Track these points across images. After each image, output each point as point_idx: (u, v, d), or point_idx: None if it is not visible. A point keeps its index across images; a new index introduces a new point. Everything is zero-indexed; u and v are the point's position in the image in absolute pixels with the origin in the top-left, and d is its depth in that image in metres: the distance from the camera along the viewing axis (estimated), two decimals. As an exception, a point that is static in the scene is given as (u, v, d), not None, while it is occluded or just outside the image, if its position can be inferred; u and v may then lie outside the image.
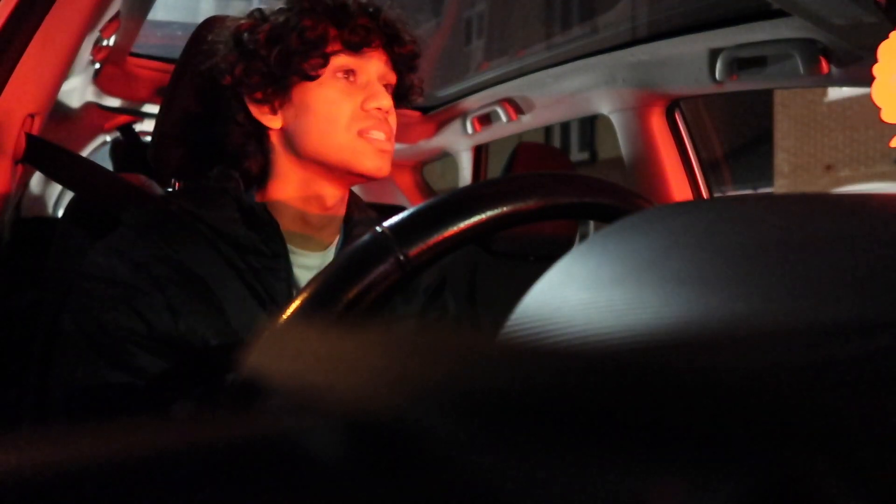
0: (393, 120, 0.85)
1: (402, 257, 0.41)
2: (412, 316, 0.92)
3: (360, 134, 0.81)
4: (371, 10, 0.83)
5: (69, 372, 0.74)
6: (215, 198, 0.82)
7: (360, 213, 0.93)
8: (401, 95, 0.89)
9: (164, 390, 0.73)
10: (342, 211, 0.89)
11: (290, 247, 0.83)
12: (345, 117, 0.81)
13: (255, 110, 0.83)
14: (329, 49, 0.80)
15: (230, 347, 0.74)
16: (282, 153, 0.84)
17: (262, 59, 0.80)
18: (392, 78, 0.86)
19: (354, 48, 0.81)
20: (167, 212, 0.81)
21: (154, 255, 0.75)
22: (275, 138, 0.84)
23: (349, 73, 0.82)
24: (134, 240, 0.77)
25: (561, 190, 0.47)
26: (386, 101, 0.82)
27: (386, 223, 0.42)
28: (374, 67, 0.84)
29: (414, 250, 0.41)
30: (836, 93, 9.72)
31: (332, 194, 0.85)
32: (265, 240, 0.80)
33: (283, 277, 0.80)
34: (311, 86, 0.81)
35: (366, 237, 0.42)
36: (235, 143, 0.85)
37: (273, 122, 0.83)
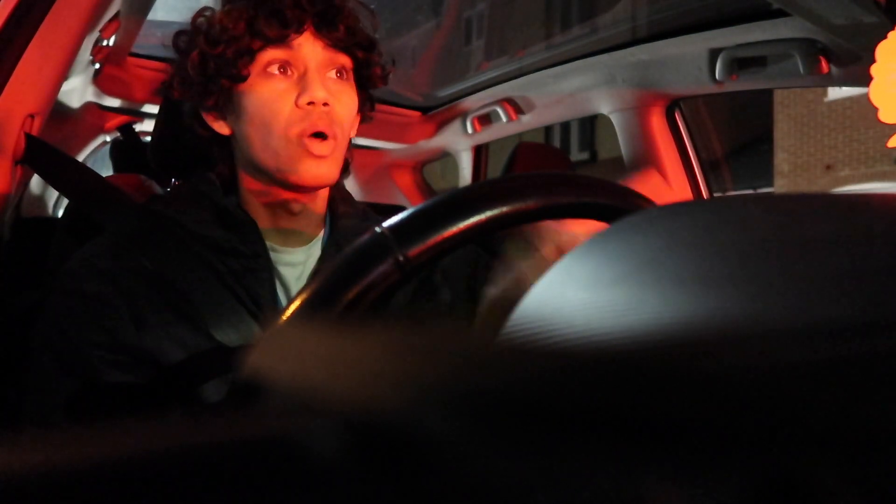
0: (341, 109, 0.77)
1: (401, 258, 0.41)
2: (403, 304, 0.91)
3: (299, 137, 0.75)
4: None
5: (38, 388, 0.73)
6: (192, 201, 0.80)
7: (344, 206, 0.90)
8: (361, 78, 0.82)
9: (131, 404, 0.71)
10: (320, 208, 0.85)
11: (270, 245, 0.81)
12: (280, 119, 0.75)
13: (207, 118, 0.80)
14: (253, 45, 0.74)
15: (204, 357, 0.73)
16: (239, 160, 0.81)
17: (193, 65, 0.76)
18: (342, 60, 0.78)
19: (278, 40, 0.74)
20: (146, 220, 0.80)
21: (126, 266, 0.74)
22: (233, 144, 0.81)
23: (282, 67, 0.76)
24: (106, 251, 0.76)
25: (561, 190, 0.47)
26: (320, 93, 0.74)
27: (385, 223, 0.42)
28: (310, 55, 0.76)
29: (413, 250, 0.41)
30: (835, 93, 9.69)
31: (295, 201, 0.81)
32: (243, 240, 0.78)
33: (265, 277, 0.78)
34: (244, 88, 0.76)
35: (365, 237, 0.42)
36: (202, 149, 0.83)
37: (222, 128, 0.80)
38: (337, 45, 0.77)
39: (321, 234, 0.87)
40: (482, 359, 0.17)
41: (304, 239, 0.84)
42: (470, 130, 2.06)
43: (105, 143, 2.06)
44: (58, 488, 0.13)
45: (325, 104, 0.75)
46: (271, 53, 0.75)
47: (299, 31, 0.75)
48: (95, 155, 2.05)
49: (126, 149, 1.97)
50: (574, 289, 0.23)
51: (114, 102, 1.77)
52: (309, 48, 0.76)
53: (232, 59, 0.75)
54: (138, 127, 1.97)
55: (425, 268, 0.42)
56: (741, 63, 1.33)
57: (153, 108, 1.82)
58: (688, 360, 0.15)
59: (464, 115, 2.05)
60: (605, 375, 0.14)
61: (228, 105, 0.78)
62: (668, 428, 0.13)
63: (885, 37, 0.86)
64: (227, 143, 0.82)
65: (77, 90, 1.63)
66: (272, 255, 0.81)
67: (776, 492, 0.12)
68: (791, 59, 1.23)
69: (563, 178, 0.48)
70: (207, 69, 0.76)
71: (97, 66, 1.56)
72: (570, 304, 0.22)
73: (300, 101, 0.75)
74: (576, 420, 0.14)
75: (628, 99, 1.61)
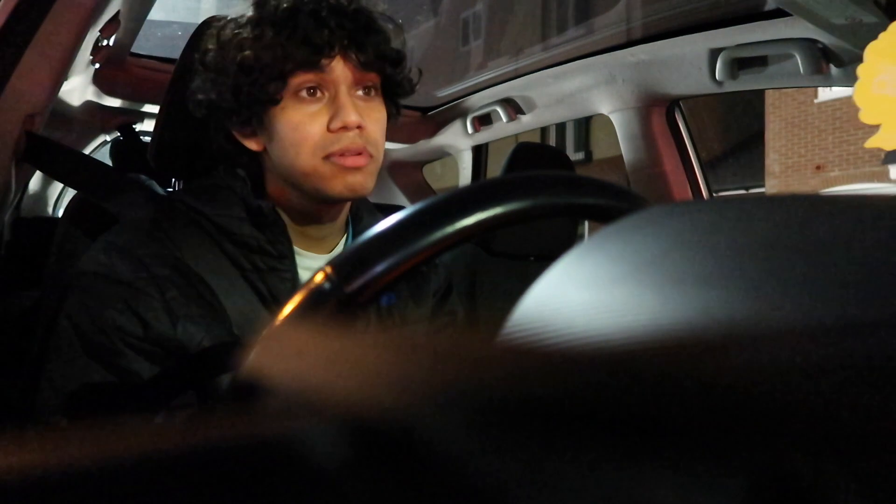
0: (374, 128, 0.79)
1: (343, 295, 0.41)
2: (422, 319, 0.92)
3: (328, 158, 0.76)
4: (323, 13, 0.75)
5: (60, 371, 0.73)
6: (221, 196, 0.80)
7: (368, 215, 0.91)
8: (389, 93, 0.83)
9: (155, 395, 0.72)
10: (344, 215, 0.87)
11: (295, 248, 0.82)
12: (310, 142, 0.76)
13: (236, 133, 0.81)
14: (283, 69, 0.75)
15: (229, 351, 0.73)
16: (270, 170, 0.82)
17: (225, 88, 0.77)
18: (370, 78, 0.79)
19: (309, 64, 0.75)
20: (171, 209, 0.81)
21: (156, 254, 0.74)
22: (263, 157, 0.82)
23: (312, 89, 0.76)
24: (136, 237, 0.76)
25: (555, 191, 0.46)
26: (352, 117, 0.75)
27: (330, 261, 0.42)
28: (341, 76, 0.77)
29: (356, 286, 0.41)
30: (825, 94, 9.86)
31: (323, 210, 0.82)
32: (271, 240, 0.79)
33: (287, 278, 0.79)
34: (276, 110, 0.77)
35: (312, 276, 0.42)
36: (229, 158, 0.84)
37: (252, 145, 0.81)
38: (366, 64, 0.78)
39: (342, 240, 0.88)
40: (482, 359, 0.17)
41: (326, 244, 0.86)
42: (470, 130, 2.06)
43: (105, 142, 2.06)
44: (58, 488, 0.13)
45: (359, 127, 0.76)
46: (302, 77, 0.76)
47: (330, 56, 0.75)
48: (95, 155, 2.05)
49: (126, 149, 1.97)
50: (574, 289, 0.23)
51: (114, 102, 1.77)
52: (339, 70, 0.77)
53: (265, 85, 0.75)
54: (138, 127, 1.98)
55: (373, 301, 0.42)
56: (741, 63, 1.33)
57: (153, 108, 1.82)
58: (687, 361, 0.15)
59: (464, 115, 2.05)
60: (605, 376, 0.14)
61: (260, 125, 0.79)
62: (668, 428, 0.13)
63: (884, 37, 0.86)
64: (255, 155, 0.82)
65: (77, 90, 1.63)
66: (296, 257, 0.82)
67: (777, 490, 0.12)
68: (791, 59, 1.23)
69: (560, 179, 0.48)
70: (241, 95, 0.76)
71: (97, 66, 1.56)
72: (570, 305, 0.22)
73: (332, 125, 0.76)
74: (576, 420, 0.14)
75: (628, 99, 1.61)
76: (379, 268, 0.41)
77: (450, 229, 0.42)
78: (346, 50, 0.76)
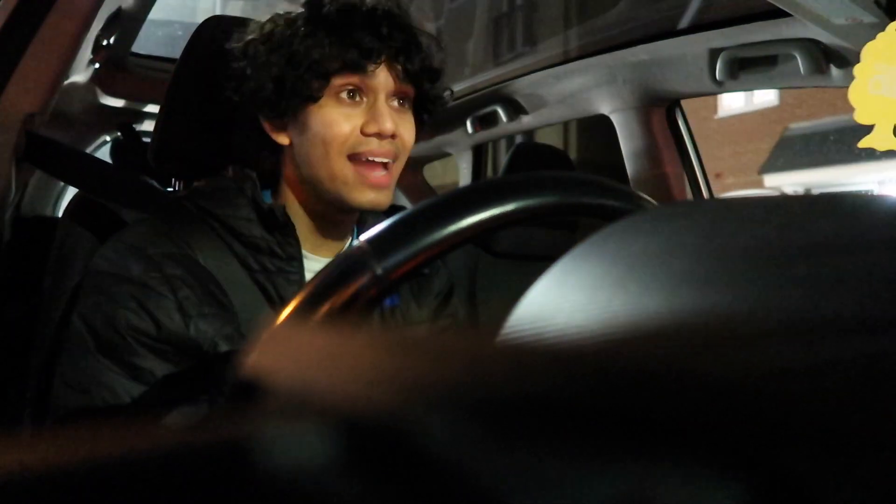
0: (402, 140, 0.80)
1: (379, 272, 0.41)
2: (424, 320, 0.92)
3: (355, 160, 0.77)
4: (376, 20, 0.77)
5: (73, 369, 0.73)
6: (231, 197, 0.81)
7: (373, 218, 0.91)
8: (421, 107, 0.85)
9: (168, 394, 0.72)
10: (352, 219, 0.87)
11: (303, 251, 0.82)
12: (339, 140, 0.76)
13: (266, 125, 0.81)
14: (330, 68, 0.76)
15: (239, 350, 0.73)
16: (290, 167, 0.82)
17: (267, 79, 0.77)
18: (407, 90, 0.81)
19: (355, 68, 0.76)
20: (181, 209, 0.81)
21: (168, 253, 0.75)
22: (287, 150, 0.82)
23: (353, 92, 0.78)
24: (148, 237, 0.76)
25: (557, 190, 0.47)
26: (388, 125, 0.76)
27: (364, 236, 0.42)
28: (382, 84, 0.78)
29: (392, 265, 0.41)
30: (724, 111, 11.45)
31: (336, 215, 0.83)
32: (281, 242, 0.80)
33: (295, 280, 0.80)
34: (313, 107, 0.77)
35: (345, 251, 0.43)
36: (250, 151, 0.84)
37: (281, 138, 0.81)
38: (408, 76, 0.79)
39: (347, 244, 0.88)
40: (481, 359, 0.17)
41: (332, 247, 0.86)
42: (470, 130, 2.06)
43: (105, 142, 2.06)
44: (56, 490, 0.13)
45: (393, 136, 0.78)
46: (346, 78, 0.77)
47: (376, 62, 0.77)
48: (95, 155, 2.05)
49: (126, 149, 1.97)
50: (573, 289, 0.23)
51: (114, 102, 1.77)
52: (382, 77, 0.78)
53: (309, 81, 0.76)
54: (138, 127, 1.98)
55: (403, 282, 0.42)
56: (742, 63, 1.33)
57: (153, 108, 1.82)
58: (687, 361, 0.15)
59: (464, 115, 2.05)
60: (604, 376, 0.14)
61: (294, 120, 0.79)
62: (668, 428, 0.13)
63: (884, 37, 0.86)
64: (279, 150, 0.83)
65: (77, 90, 1.63)
66: (304, 260, 0.82)
67: (777, 490, 0.12)
68: (792, 59, 1.23)
69: (561, 180, 0.48)
70: (284, 88, 0.77)
71: (97, 66, 1.57)
72: (570, 305, 0.22)
73: (368, 128, 0.77)
74: (574, 420, 0.14)
75: (628, 99, 1.61)
76: (414, 246, 0.41)
77: (483, 215, 0.43)
78: (393, 59, 0.78)
